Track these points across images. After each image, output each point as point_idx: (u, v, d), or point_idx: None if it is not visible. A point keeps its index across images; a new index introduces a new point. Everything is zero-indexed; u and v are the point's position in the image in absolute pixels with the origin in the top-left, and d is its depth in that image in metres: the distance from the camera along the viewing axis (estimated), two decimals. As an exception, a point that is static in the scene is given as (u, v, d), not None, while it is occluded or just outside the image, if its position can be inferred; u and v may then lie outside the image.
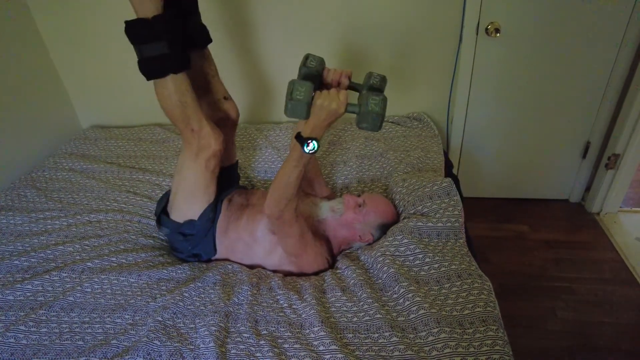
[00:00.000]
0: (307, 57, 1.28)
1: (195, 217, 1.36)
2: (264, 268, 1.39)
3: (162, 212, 1.42)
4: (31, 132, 2.02)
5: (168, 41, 1.17)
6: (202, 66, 1.44)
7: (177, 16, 1.27)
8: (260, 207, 1.42)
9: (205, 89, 1.46)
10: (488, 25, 1.86)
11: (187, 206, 1.36)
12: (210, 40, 1.43)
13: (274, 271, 1.38)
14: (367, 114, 1.14)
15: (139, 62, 1.20)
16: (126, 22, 1.17)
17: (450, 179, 1.49)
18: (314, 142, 1.15)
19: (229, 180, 1.58)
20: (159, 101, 1.26)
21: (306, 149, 1.15)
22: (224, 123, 1.50)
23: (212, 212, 1.38)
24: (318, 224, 1.40)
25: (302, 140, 1.15)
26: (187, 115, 1.26)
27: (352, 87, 1.28)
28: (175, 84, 1.21)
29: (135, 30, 1.17)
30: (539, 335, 1.69)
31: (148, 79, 1.22)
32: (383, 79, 1.29)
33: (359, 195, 1.46)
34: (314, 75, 1.25)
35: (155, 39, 1.16)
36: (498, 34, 1.85)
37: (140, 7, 1.15)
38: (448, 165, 1.83)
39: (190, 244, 1.41)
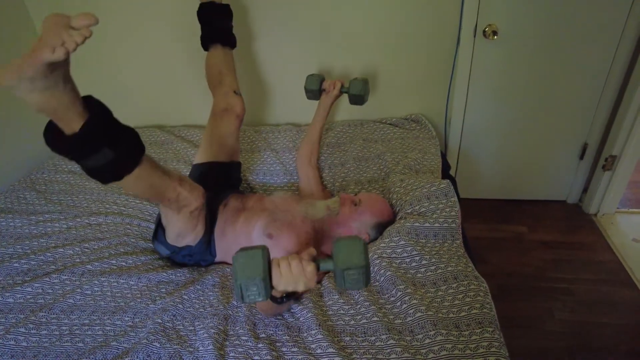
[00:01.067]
0: (311, 74, 1.75)
1: (192, 244, 1.36)
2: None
3: (160, 229, 1.40)
4: (30, 134, 2.03)
5: (109, 146, 0.95)
6: (221, 60, 1.68)
7: (212, 14, 1.65)
8: (256, 211, 1.42)
9: (219, 80, 1.68)
10: (485, 28, 1.87)
11: (180, 240, 1.35)
12: (232, 44, 1.74)
13: None
14: (349, 289, 1.06)
15: (88, 173, 0.99)
16: (46, 136, 0.94)
17: (448, 180, 1.50)
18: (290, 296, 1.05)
19: (227, 180, 1.58)
20: (127, 191, 1.19)
21: (284, 302, 1.06)
22: (228, 114, 1.63)
23: (207, 234, 1.38)
24: (314, 224, 1.41)
25: (275, 299, 1.04)
26: (159, 193, 1.13)
27: (344, 90, 1.72)
28: (135, 177, 1.02)
29: (67, 148, 0.94)
30: (536, 336, 1.70)
31: (104, 184, 1.04)
32: (365, 79, 1.68)
33: (355, 194, 1.47)
34: (317, 88, 1.72)
35: (93, 152, 0.94)
36: (495, 36, 1.86)
37: (62, 122, 0.91)
38: (446, 167, 1.83)
39: (188, 259, 1.43)
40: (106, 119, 0.96)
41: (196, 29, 1.72)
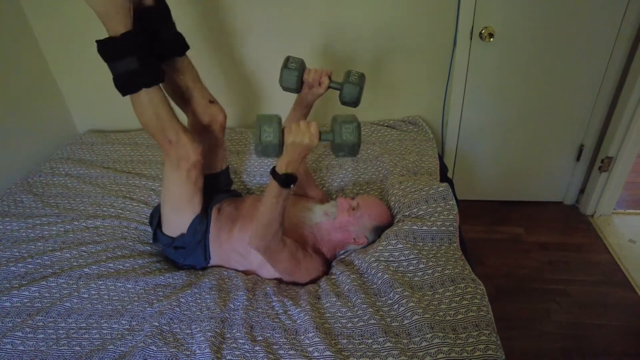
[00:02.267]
0: (287, 59, 1.36)
1: (185, 230, 1.38)
2: (259, 274, 1.40)
3: (157, 227, 1.43)
4: (27, 137, 2.02)
5: (137, 57, 1.20)
6: (183, 73, 1.44)
7: (147, 30, 1.31)
8: (252, 217, 1.42)
9: (188, 95, 1.48)
10: (482, 30, 1.88)
11: (175, 218, 1.38)
12: (187, 47, 1.42)
13: (270, 263, 1.38)
14: (342, 144, 1.15)
15: (114, 79, 1.23)
16: (97, 42, 1.20)
17: (447, 184, 1.51)
18: (291, 176, 1.15)
19: (217, 187, 1.57)
20: (136, 115, 1.28)
21: (283, 185, 1.15)
22: (212, 127, 1.51)
23: (200, 224, 1.39)
24: (312, 228, 1.41)
25: (278, 177, 1.15)
26: (162, 127, 1.27)
27: (333, 86, 1.37)
28: (148, 97, 1.24)
29: (106, 48, 1.20)
30: (533, 337, 1.71)
31: (123, 94, 1.25)
32: (361, 76, 1.37)
33: (352, 198, 1.47)
34: (295, 77, 1.35)
35: (124, 56, 1.20)
36: (492, 39, 1.87)
37: (110, 25, 1.18)
38: (443, 169, 1.84)
39: (182, 256, 1.43)
40: (143, 40, 1.23)
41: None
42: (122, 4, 1.15)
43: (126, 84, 1.23)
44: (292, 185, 1.17)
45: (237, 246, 1.39)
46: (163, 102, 1.27)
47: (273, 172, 1.17)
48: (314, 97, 1.42)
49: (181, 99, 1.49)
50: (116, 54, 1.20)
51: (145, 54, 1.22)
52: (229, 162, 1.68)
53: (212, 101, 1.51)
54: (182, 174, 1.31)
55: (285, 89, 1.41)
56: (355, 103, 1.40)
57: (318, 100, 1.45)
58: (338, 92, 1.39)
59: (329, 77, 1.36)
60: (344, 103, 1.41)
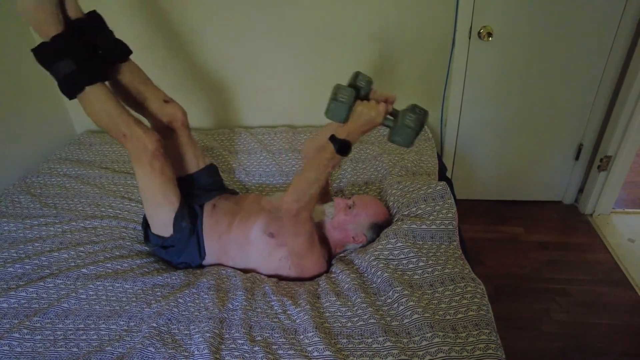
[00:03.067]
0: (357, 75, 1.25)
1: (171, 228, 1.37)
2: (258, 273, 1.39)
3: (147, 227, 1.43)
4: (25, 138, 2.02)
5: (72, 57, 1.23)
6: (131, 78, 1.44)
7: (81, 31, 1.32)
8: (254, 211, 1.42)
9: (141, 98, 1.47)
10: (480, 29, 1.88)
11: (157, 216, 1.37)
12: (129, 52, 1.42)
13: (269, 276, 1.38)
14: (401, 127, 1.18)
15: (58, 86, 1.26)
16: (32, 50, 1.24)
17: (445, 182, 1.50)
18: (348, 144, 1.20)
19: (201, 187, 1.56)
20: (87, 115, 1.31)
21: (339, 151, 1.20)
22: (174, 126, 1.50)
23: (184, 219, 1.38)
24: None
25: (336, 141, 1.19)
26: (114, 123, 1.29)
27: (391, 113, 1.25)
28: (94, 95, 1.27)
29: (41, 54, 1.24)
30: (533, 337, 1.70)
31: (70, 98, 1.27)
32: (423, 115, 1.21)
33: (349, 198, 1.47)
34: (360, 92, 1.24)
35: (59, 58, 1.22)
36: (490, 38, 1.87)
37: (42, 32, 1.22)
38: (442, 169, 1.84)
39: (175, 255, 1.42)
40: (76, 39, 1.26)
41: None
42: (49, 9, 1.20)
43: (69, 86, 1.25)
44: (345, 154, 1.21)
45: (236, 237, 1.39)
46: (110, 98, 1.29)
47: (332, 137, 1.21)
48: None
49: (136, 104, 1.48)
50: (51, 57, 1.23)
51: (80, 53, 1.25)
52: (211, 160, 1.65)
53: (167, 100, 1.50)
54: (145, 166, 1.31)
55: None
56: (407, 145, 1.22)
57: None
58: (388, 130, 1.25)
59: (392, 103, 1.24)
60: (392, 140, 1.23)
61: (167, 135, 1.49)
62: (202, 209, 1.44)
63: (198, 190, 1.54)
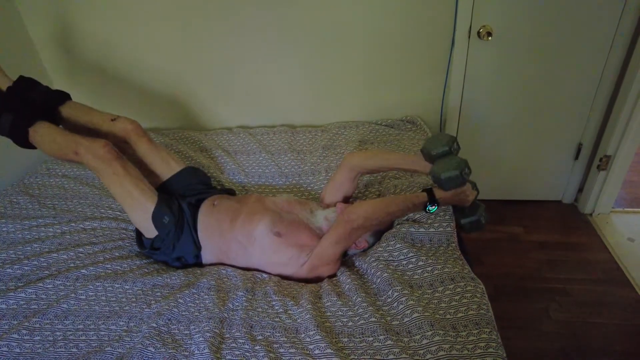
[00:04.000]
0: (454, 140, 1.34)
1: (154, 229, 1.38)
2: (259, 271, 1.39)
3: (139, 236, 1.44)
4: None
5: (6, 111, 1.43)
6: (75, 114, 1.57)
7: (15, 95, 1.52)
8: (259, 210, 1.41)
9: (93, 127, 1.56)
10: (480, 29, 1.88)
11: (138, 217, 1.38)
12: (66, 97, 1.59)
13: (273, 274, 1.38)
14: (472, 221, 1.41)
15: (9, 137, 1.44)
16: None
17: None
18: (436, 205, 1.33)
19: (190, 186, 1.55)
20: (42, 151, 1.45)
21: (429, 207, 1.32)
22: (131, 137, 1.54)
23: (165, 214, 1.37)
24: (315, 231, 1.41)
25: (432, 197, 1.32)
26: (64, 146, 1.38)
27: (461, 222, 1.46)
28: (39, 133, 1.41)
29: None
30: (533, 337, 1.70)
31: (22, 146, 1.45)
32: (479, 208, 1.45)
33: (352, 203, 1.47)
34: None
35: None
36: (490, 37, 1.87)
37: None
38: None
39: (167, 253, 1.42)
40: (2, 94, 1.45)
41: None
42: None
43: (16, 135, 1.42)
44: (426, 210, 1.34)
45: (239, 235, 1.39)
46: (52, 129, 1.42)
47: (430, 191, 1.33)
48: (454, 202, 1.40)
49: (90, 133, 1.53)
50: None
51: (11, 104, 1.45)
52: (189, 164, 1.66)
53: (114, 119, 1.56)
54: (108, 172, 1.35)
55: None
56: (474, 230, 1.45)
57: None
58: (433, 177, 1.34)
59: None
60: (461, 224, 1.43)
61: (128, 148, 1.55)
62: (198, 207, 1.45)
63: (184, 191, 1.54)
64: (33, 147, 1.46)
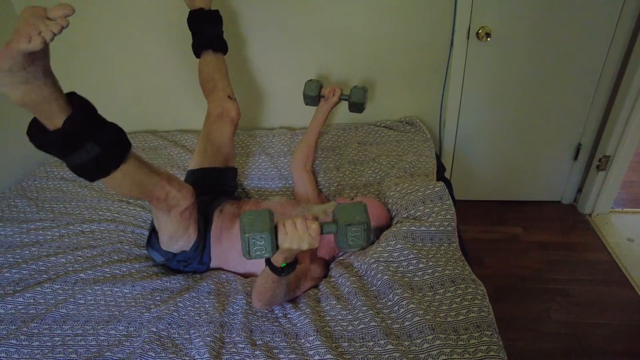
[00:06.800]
0: (310, 80, 1.69)
1: (187, 249, 1.35)
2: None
3: (154, 236, 1.38)
4: (21, 140, 1.98)
5: (94, 140, 0.95)
6: (214, 66, 1.68)
7: (194, 28, 1.65)
8: None
9: (212, 85, 1.67)
10: (479, 30, 1.88)
11: (173, 245, 1.33)
12: (224, 50, 1.73)
13: None
14: (349, 248, 1.02)
15: (73, 170, 0.99)
16: (30, 135, 0.93)
17: (442, 183, 1.50)
18: (289, 266, 1.06)
19: (222, 186, 1.57)
20: (113, 190, 1.15)
21: (282, 274, 1.07)
22: (223, 119, 1.62)
23: (200, 240, 1.35)
24: None
25: (275, 269, 1.06)
26: (146, 190, 1.11)
27: (343, 98, 1.70)
28: (121, 173, 1.02)
29: (50, 144, 0.93)
30: (533, 338, 1.70)
31: (91, 181, 1.02)
32: (365, 87, 1.68)
33: (352, 199, 1.46)
34: (316, 89, 1.68)
35: (78, 146, 0.94)
36: (489, 38, 1.87)
37: (45, 117, 0.91)
38: (441, 169, 1.83)
39: (182, 265, 1.41)
40: (89, 114, 0.97)
41: (188, 35, 1.71)
42: (46, 89, 0.88)
43: (92, 173, 0.99)
44: (292, 271, 1.08)
45: (236, 244, 1.38)
46: (138, 167, 1.06)
47: (269, 262, 1.06)
48: (330, 106, 1.70)
49: (206, 88, 1.70)
50: (67, 147, 0.94)
51: (100, 130, 0.97)
52: (236, 165, 1.71)
53: (231, 97, 1.67)
54: (174, 216, 1.22)
55: (307, 98, 1.70)
56: (361, 105, 1.67)
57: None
58: (347, 103, 1.70)
59: (341, 90, 1.69)
60: (352, 106, 1.69)
61: (215, 123, 1.62)
62: (212, 214, 1.43)
63: (219, 188, 1.55)
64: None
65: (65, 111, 0.92)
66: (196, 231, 1.32)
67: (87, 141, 0.95)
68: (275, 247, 0.96)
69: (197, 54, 1.71)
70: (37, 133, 0.93)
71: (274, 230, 0.95)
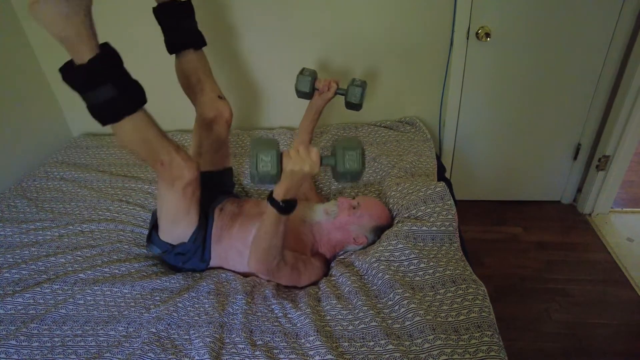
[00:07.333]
0: (302, 69, 1.53)
1: (186, 239, 1.35)
2: (257, 277, 1.38)
3: (153, 230, 1.40)
4: (21, 141, 2.00)
5: (112, 83, 1.04)
6: (197, 65, 1.51)
7: (167, 22, 1.43)
8: (253, 215, 1.41)
9: (199, 88, 1.53)
10: (478, 30, 1.88)
11: (174, 230, 1.34)
12: (204, 44, 1.53)
13: (268, 281, 1.37)
14: (345, 172, 1.11)
15: (88, 109, 1.07)
16: (61, 70, 1.05)
17: (443, 183, 1.50)
18: (290, 203, 1.12)
19: (221, 187, 1.57)
20: (120, 142, 1.20)
21: (282, 211, 1.12)
22: (217, 121, 1.54)
23: (200, 231, 1.36)
24: (312, 227, 1.40)
25: (277, 204, 1.11)
26: (152, 150, 1.16)
27: (339, 92, 1.57)
28: (132, 124, 1.10)
29: (74, 78, 1.05)
30: (533, 338, 1.70)
31: (103, 124, 1.09)
32: (364, 82, 1.56)
33: (353, 198, 1.46)
34: (309, 83, 1.54)
35: (97, 85, 1.04)
36: (488, 39, 1.87)
37: (74, 52, 1.02)
38: (441, 169, 1.83)
39: (182, 261, 1.41)
40: (115, 60, 1.07)
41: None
42: (83, 28, 0.99)
43: (105, 114, 1.07)
44: (291, 212, 1.13)
45: (235, 243, 1.38)
46: (149, 124, 1.13)
47: (271, 198, 1.11)
48: (324, 101, 1.59)
49: (192, 91, 1.55)
50: (87, 83, 1.04)
51: (121, 76, 1.08)
52: (231, 164, 1.68)
53: (221, 97, 1.55)
54: (177, 191, 1.23)
55: (300, 93, 1.58)
56: (358, 105, 1.57)
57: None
58: (343, 98, 1.58)
59: (337, 84, 1.56)
60: (348, 104, 1.59)
61: (208, 128, 1.54)
62: (213, 213, 1.43)
63: (218, 189, 1.54)
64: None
65: (94, 52, 1.02)
66: (197, 216, 1.33)
67: (107, 82, 1.04)
68: (280, 166, 1.06)
69: (173, 52, 1.51)
70: (67, 67, 1.04)
71: (280, 156, 1.07)
